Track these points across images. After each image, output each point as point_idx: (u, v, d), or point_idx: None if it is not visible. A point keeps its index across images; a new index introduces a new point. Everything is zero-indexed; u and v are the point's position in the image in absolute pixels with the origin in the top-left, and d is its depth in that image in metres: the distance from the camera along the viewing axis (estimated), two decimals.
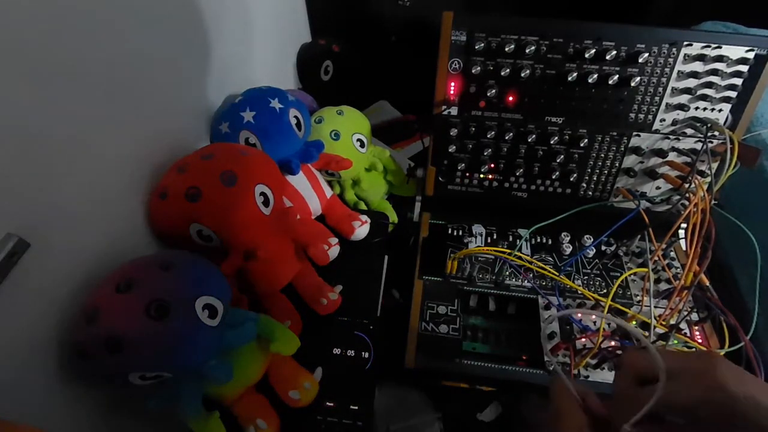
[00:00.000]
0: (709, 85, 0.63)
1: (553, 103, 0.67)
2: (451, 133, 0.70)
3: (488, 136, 0.69)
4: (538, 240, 0.73)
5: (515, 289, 0.67)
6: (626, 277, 0.68)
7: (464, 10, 0.63)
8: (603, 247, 0.71)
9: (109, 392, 0.48)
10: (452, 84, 0.67)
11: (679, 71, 0.63)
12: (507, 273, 0.68)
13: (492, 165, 0.72)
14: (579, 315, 0.62)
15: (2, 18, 0.34)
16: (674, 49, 0.62)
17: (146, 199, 0.53)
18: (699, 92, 0.64)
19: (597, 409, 0.38)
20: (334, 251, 0.66)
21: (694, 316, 0.64)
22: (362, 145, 0.79)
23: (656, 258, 0.64)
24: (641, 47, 0.62)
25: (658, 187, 0.71)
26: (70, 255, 0.43)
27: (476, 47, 0.63)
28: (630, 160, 0.70)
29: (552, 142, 0.69)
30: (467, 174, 0.74)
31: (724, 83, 0.63)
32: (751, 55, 0.61)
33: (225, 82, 0.71)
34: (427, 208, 0.77)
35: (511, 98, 0.67)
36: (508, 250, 0.66)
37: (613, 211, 0.74)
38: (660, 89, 0.64)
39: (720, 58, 0.62)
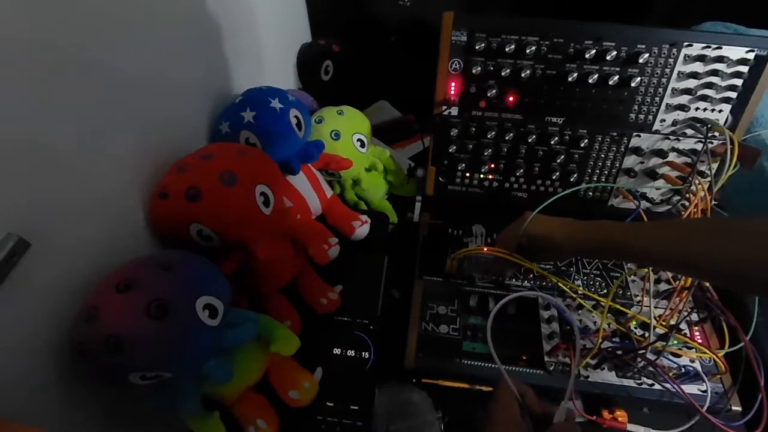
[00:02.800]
0: (710, 85, 0.63)
1: (554, 103, 0.67)
2: (452, 133, 0.70)
3: (488, 136, 0.69)
4: None
5: (515, 289, 0.67)
6: (626, 277, 0.69)
7: (464, 10, 0.63)
8: None
9: (109, 392, 0.48)
10: (452, 84, 0.67)
11: (679, 72, 0.63)
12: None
13: (492, 165, 0.72)
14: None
15: (2, 18, 0.34)
16: (674, 50, 0.62)
17: (146, 199, 0.53)
18: (699, 93, 0.64)
19: (533, 406, 0.45)
20: (334, 251, 0.66)
21: (694, 317, 0.64)
22: (362, 145, 0.79)
23: None
24: (641, 48, 0.62)
25: (658, 188, 0.71)
26: (71, 255, 0.43)
27: (476, 47, 0.63)
28: (630, 161, 0.70)
29: (552, 142, 0.69)
30: (467, 174, 0.74)
31: (724, 84, 0.63)
32: (751, 56, 0.61)
33: (225, 82, 0.71)
34: (427, 208, 0.77)
35: (511, 98, 0.67)
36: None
37: (614, 211, 0.74)
38: (660, 90, 0.64)
39: (720, 59, 0.62)
